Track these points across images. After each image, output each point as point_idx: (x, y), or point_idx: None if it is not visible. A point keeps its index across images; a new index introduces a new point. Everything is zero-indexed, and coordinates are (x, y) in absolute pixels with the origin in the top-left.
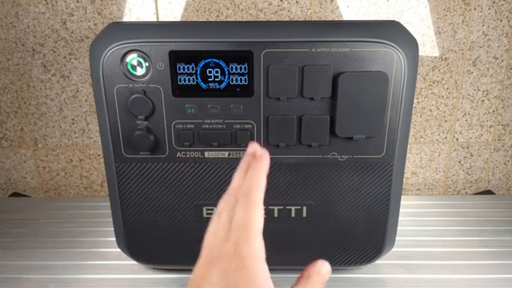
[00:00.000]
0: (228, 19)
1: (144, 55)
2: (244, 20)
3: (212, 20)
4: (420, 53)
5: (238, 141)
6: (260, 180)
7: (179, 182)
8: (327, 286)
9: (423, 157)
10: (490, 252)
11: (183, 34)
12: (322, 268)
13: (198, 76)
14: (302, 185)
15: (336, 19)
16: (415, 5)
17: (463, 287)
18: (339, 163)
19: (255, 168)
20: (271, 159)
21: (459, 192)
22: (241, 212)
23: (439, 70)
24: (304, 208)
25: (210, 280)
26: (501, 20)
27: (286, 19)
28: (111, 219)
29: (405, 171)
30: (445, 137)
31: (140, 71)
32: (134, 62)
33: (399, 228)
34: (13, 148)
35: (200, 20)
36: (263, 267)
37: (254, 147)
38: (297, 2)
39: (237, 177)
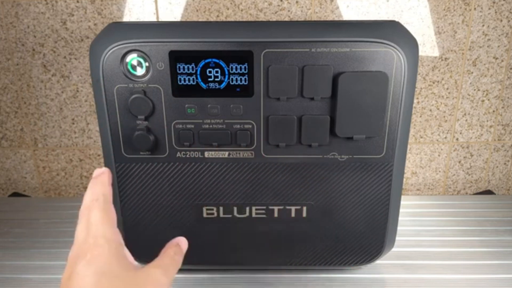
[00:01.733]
0: (228, 19)
1: (144, 55)
2: (244, 20)
3: (212, 20)
4: (420, 53)
5: (238, 141)
6: (104, 186)
7: (179, 182)
8: (327, 285)
9: (423, 157)
10: (490, 252)
11: (183, 34)
12: (180, 241)
13: (198, 76)
14: (302, 185)
15: (336, 19)
16: (415, 5)
17: (463, 287)
18: (339, 163)
19: (99, 180)
20: (271, 159)
21: (459, 192)
22: (95, 213)
23: (439, 70)
24: (304, 208)
25: (75, 275)
26: (501, 20)
27: (286, 19)
28: None
29: (405, 171)
30: (445, 137)
31: (140, 71)
32: (134, 62)
33: (399, 228)
34: (13, 148)
35: (200, 20)
36: (125, 250)
37: (97, 172)
38: (297, 2)
39: (85, 195)
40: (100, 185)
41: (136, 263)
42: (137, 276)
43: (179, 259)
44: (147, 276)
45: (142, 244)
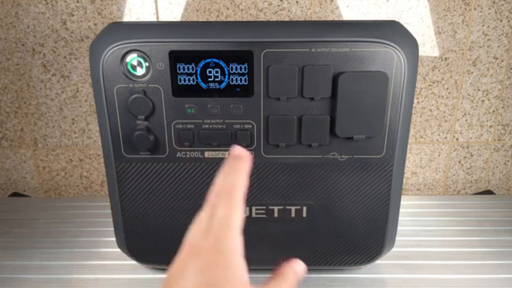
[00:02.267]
0: (228, 19)
1: (144, 55)
2: (244, 20)
3: (212, 20)
4: (420, 53)
5: (238, 141)
6: (241, 179)
7: (179, 182)
8: (327, 285)
9: (423, 157)
10: (490, 252)
11: (183, 34)
12: (297, 266)
13: (198, 76)
14: (302, 185)
15: (336, 19)
16: (415, 5)
17: (463, 287)
18: (339, 163)
19: (236, 168)
20: (271, 159)
21: (459, 192)
22: (222, 210)
23: (439, 70)
24: (304, 208)
25: (188, 275)
26: (501, 20)
27: (286, 19)
28: (111, 219)
29: (405, 171)
30: (445, 137)
31: (140, 71)
32: (134, 62)
33: (399, 228)
34: (13, 148)
35: (200, 20)
36: (242, 262)
37: (237, 149)
38: (297, 2)
39: (220, 178)
40: (236, 174)
41: (246, 278)
42: None
43: (293, 286)
44: None
45: (142, 244)
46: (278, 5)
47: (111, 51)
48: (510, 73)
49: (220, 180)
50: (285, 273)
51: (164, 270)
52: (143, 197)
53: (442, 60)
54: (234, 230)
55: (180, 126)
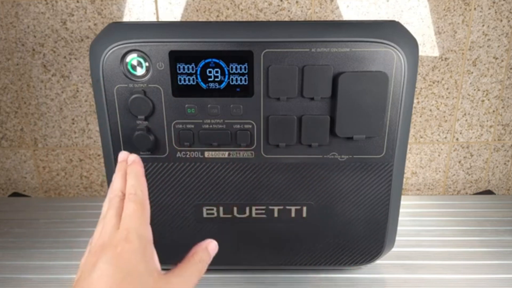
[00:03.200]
0: (228, 19)
1: (144, 55)
2: (244, 20)
3: (212, 20)
4: (420, 53)
5: (238, 141)
6: (141, 179)
7: (179, 182)
8: (327, 285)
9: (423, 157)
10: (490, 252)
11: (183, 34)
12: (210, 244)
13: (198, 76)
14: (302, 185)
15: (336, 19)
16: (415, 5)
17: (463, 287)
18: (339, 163)
19: (133, 170)
20: (271, 159)
21: (459, 192)
22: (131, 205)
23: (439, 70)
24: (304, 208)
25: (101, 265)
26: (501, 20)
27: (286, 19)
28: None
29: (405, 171)
30: (445, 137)
31: (140, 71)
32: (134, 62)
33: (399, 228)
34: (13, 148)
35: (200, 20)
36: (153, 250)
37: (123, 154)
38: (297, 2)
39: (116, 180)
40: (135, 177)
41: (159, 266)
42: (158, 284)
43: (204, 267)
44: (167, 285)
45: None
46: (278, 5)
47: (111, 51)
48: (510, 73)
49: (117, 184)
50: (196, 251)
51: (164, 270)
52: None
53: (442, 60)
54: (145, 220)
55: (180, 126)
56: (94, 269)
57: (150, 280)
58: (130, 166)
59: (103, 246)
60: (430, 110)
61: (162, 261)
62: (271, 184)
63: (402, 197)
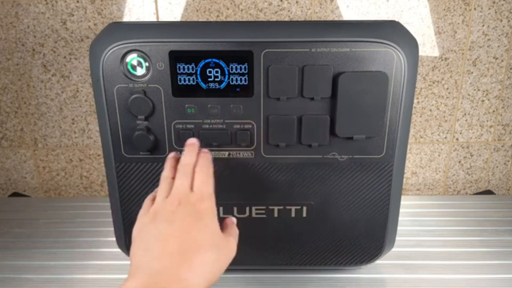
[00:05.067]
0: (228, 19)
1: (144, 55)
2: (244, 20)
3: (212, 20)
4: (420, 53)
5: (238, 141)
6: (211, 164)
7: None
8: (327, 285)
9: (423, 157)
10: (490, 252)
11: (183, 34)
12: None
13: (198, 76)
14: (302, 185)
15: (336, 19)
16: (415, 5)
17: (463, 287)
18: (339, 163)
19: (205, 155)
20: (271, 159)
21: (459, 192)
22: (202, 175)
23: (439, 70)
24: (304, 208)
25: (181, 216)
26: (501, 20)
27: (286, 19)
28: (111, 219)
29: (405, 171)
30: (445, 137)
31: (140, 71)
32: (134, 62)
33: (399, 228)
34: (13, 148)
35: (200, 20)
36: (217, 223)
37: (194, 140)
38: (297, 2)
39: (188, 155)
40: (207, 160)
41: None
42: (223, 238)
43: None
44: (228, 243)
45: None
46: (278, 5)
47: (111, 51)
48: (510, 73)
49: (188, 158)
50: (233, 224)
51: None
52: (143, 197)
53: (442, 60)
54: (212, 190)
55: (180, 126)
56: (175, 217)
57: (219, 234)
58: (204, 153)
59: (180, 201)
60: (430, 110)
61: None
62: (271, 184)
63: (402, 197)
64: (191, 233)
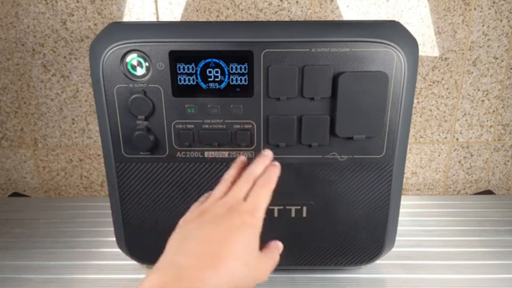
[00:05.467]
0: (228, 19)
1: (144, 55)
2: (244, 20)
3: (212, 20)
4: (420, 53)
5: (238, 141)
6: (275, 180)
7: (179, 182)
8: (327, 285)
9: (423, 157)
10: (490, 252)
11: (183, 34)
12: (279, 246)
13: (198, 76)
14: (302, 185)
15: (336, 19)
16: (415, 5)
17: (463, 287)
18: (339, 163)
19: (274, 170)
20: None
21: (459, 192)
22: (262, 189)
23: (439, 70)
24: (304, 208)
25: (229, 220)
26: (501, 20)
27: (286, 19)
28: (111, 219)
29: (405, 171)
30: (445, 137)
31: (140, 71)
32: (134, 62)
33: (399, 228)
34: (13, 148)
35: (200, 20)
36: (258, 241)
37: (269, 152)
38: (297, 2)
39: (258, 165)
40: (274, 175)
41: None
42: (261, 261)
43: (275, 262)
44: (263, 265)
45: (142, 244)
46: (278, 5)
47: (111, 51)
48: (510, 73)
49: (259, 165)
50: (276, 247)
51: None
52: (143, 197)
53: (442, 60)
54: (265, 205)
55: (180, 126)
56: (220, 221)
57: (257, 252)
58: (273, 166)
59: (230, 207)
60: (430, 110)
61: None
62: None
63: (402, 197)
64: (228, 241)
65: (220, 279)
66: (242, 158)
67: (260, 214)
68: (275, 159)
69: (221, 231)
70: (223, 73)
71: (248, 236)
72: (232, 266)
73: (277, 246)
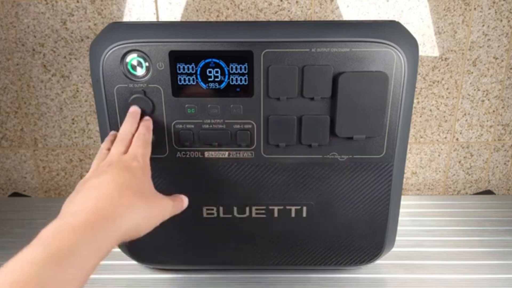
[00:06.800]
0: (228, 19)
1: (144, 55)
2: (244, 20)
3: (212, 20)
4: (420, 53)
5: (238, 141)
6: (150, 131)
7: (179, 182)
8: (327, 285)
9: (423, 157)
10: (490, 252)
11: (183, 34)
12: (185, 200)
13: (198, 76)
14: (302, 185)
15: (336, 19)
16: (415, 5)
17: (463, 287)
18: (339, 163)
19: (146, 124)
20: (271, 159)
21: (459, 192)
22: (139, 141)
23: (439, 70)
24: (304, 208)
25: (110, 171)
26: (501, 20)
27: (286, 19)
28: None
29: (405, 171)
30: (445, 137)
31: (140, 71)
32: (134, 62)
33: (399, 228)
34: (13, 148)
35: (200, 20)
36: (150, 180)
37: (136, 108)
38: (297, 2)
39: (127, 124)
40: (147, 128)
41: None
42: (159, 197)
43: (171, 214)
44: (161, 201)
45: (142, 243)
46: (278, 5)
47: (111, 51)
48: (510, 73)
49: (129, 124)
50: (177, 198)
51: (164, 270)
52: None
53: (442, 60)
54: (147, 153)
55: (180, 126)
56: (103, 174)
57: (152, 189)
58: (145, 121)
59: (111, 163)
60: (430, 110)
61: (163, 261)
62: (271, 184)
63: (402, 197)
64: (121, 180)
65: (125, 207)
66: (113, 132)
67: (142, 159)
68: (275, 159)
69: (108, 177)
70: (223, 73)
71: (136, 175)
72: (131, 196)
73: (182, 197)
